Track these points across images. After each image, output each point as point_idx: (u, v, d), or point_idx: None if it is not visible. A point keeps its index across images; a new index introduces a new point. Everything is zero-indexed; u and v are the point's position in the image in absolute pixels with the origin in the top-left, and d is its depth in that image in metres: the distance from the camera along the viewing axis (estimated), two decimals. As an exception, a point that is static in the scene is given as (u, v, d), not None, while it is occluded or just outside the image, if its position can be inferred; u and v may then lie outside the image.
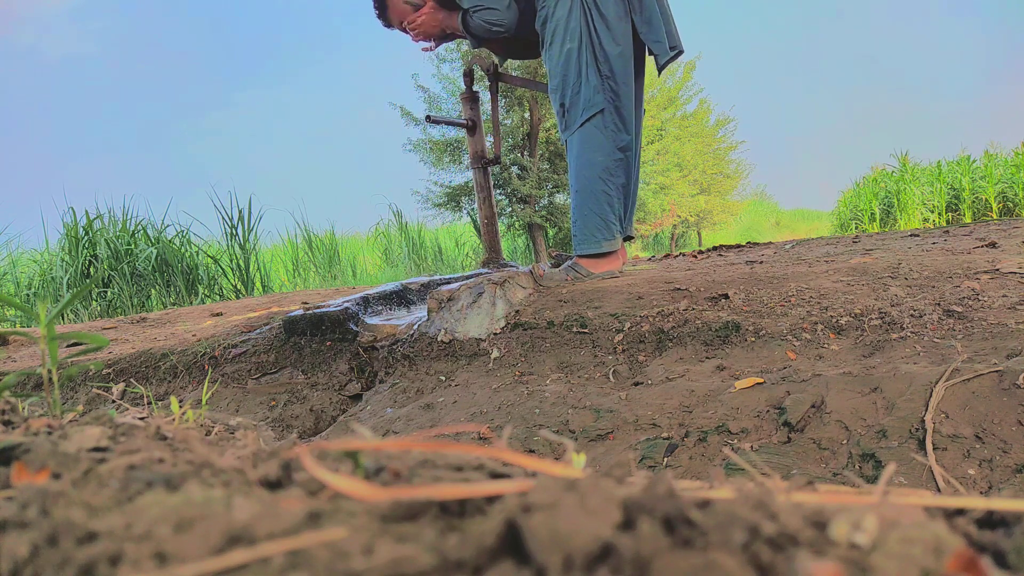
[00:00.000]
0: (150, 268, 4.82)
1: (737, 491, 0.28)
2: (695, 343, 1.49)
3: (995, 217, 8.70)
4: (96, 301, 4.64)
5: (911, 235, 2.96)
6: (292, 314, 2.00)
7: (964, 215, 9.18)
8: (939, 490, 0.84)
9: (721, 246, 3.37)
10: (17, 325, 4.39)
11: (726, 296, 1.64)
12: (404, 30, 2.36)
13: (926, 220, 9.17)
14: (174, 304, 4.75)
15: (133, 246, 4.93)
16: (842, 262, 1.96)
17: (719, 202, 11.80)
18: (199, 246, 5.27)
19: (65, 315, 4.10)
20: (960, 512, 0.30)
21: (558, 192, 8.94)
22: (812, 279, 1.71)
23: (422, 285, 2.36)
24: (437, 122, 2.76)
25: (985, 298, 1.36)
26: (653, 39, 2.10)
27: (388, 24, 2.38)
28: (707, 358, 1.42)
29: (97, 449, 0.40)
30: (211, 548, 0.24)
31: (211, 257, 5.21)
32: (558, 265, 2.39)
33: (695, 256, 3.06)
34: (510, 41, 2.35)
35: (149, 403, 1.66)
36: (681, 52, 2.22)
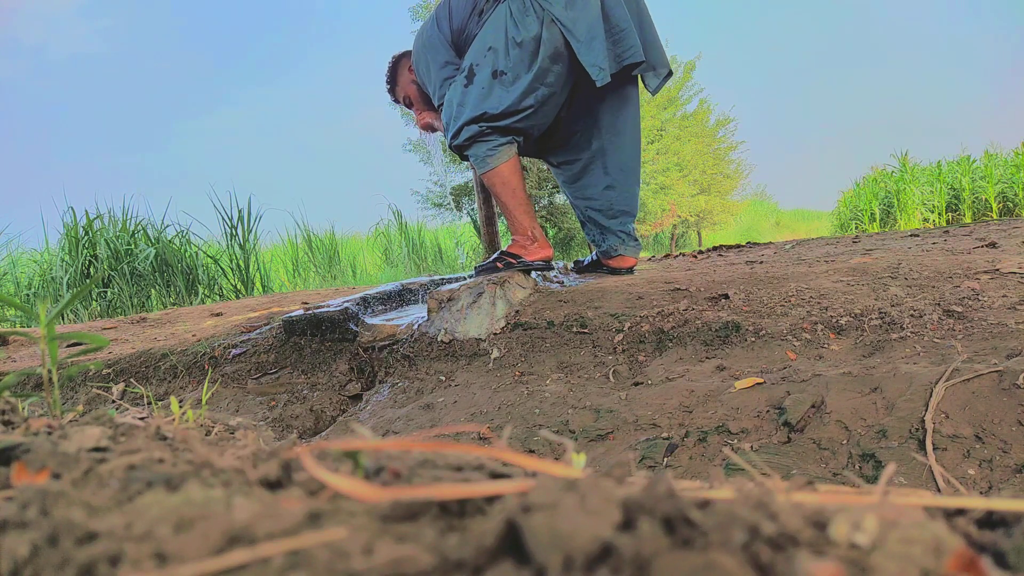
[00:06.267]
0: (150, 268, 4.82)
1: (737, 491, 0.28)
2: (695, 343, 1.49)
3: (995, 217, 8.69)
4: (96, 301, 4.64)
5: (911, 235, 2.96)
6: (292, 314, 2.00)
7: (964, 215, 9.17)
8: (939, 490, 0.84)
9: (721, 246, 3.38)
10: (17, 325, 4.39)
11: (726, 296, 1.64)
12: (407, 107, 2.46)
13: (926, 220, 9.16)
14: (174, 304, 4.75)
15: (133, 246, 4.92)
16: (842, 262, 1.96)
17: (719, 202, 11.77)
18: (199, 246, 5.27)
19: (65, 315, 4.10)
20: (960, 512, 0.30)
21: (558, 192, 8.92)
22: (812, 279, 1.71)
23: (422, 285, 2.36)
24: (437, 122, 2.76)
25: (985, 298, 1.36)
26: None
27: (395, 100, 2.48)
28: (707, 358, 1.42)
29: (97, 449, 0.40)
30: (211, 548, 0.24)
31: (211, 257, 5.21)
32: (579, 271, 2.45)
33: (695, 256, 3.05)
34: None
35: (149, 403, 1.66)
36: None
